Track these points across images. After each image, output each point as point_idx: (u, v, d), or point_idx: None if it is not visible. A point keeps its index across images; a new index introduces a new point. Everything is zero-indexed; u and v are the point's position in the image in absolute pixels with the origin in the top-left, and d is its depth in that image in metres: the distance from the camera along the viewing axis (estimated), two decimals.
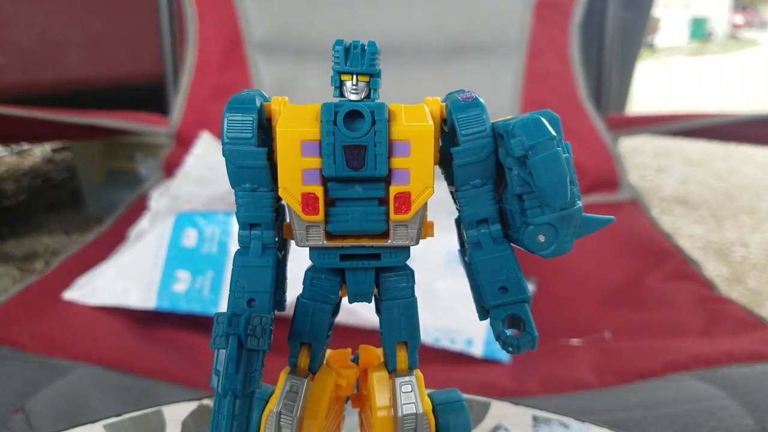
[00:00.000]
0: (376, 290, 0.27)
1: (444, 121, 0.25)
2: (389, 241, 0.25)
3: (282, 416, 0.25)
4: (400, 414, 0.25)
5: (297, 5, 1.08)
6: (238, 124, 0.23)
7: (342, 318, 0.31)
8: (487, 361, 0.61)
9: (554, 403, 0.52)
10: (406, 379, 0.26)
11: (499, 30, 1.08)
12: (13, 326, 0.60)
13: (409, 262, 0.26)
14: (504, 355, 0.61)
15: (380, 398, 0.26)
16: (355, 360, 0.29)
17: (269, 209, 0.25)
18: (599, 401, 0.51)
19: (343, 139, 0.23)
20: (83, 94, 1.23)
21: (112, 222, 0.90)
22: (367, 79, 0.24)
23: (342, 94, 0.24)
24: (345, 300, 0.27)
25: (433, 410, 0.26)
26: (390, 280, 0.26)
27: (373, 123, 0.23)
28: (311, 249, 0.25)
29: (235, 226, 0.67)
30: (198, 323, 0.65)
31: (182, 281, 0.65)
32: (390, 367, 0.27)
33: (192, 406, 0.39)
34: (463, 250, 0.27)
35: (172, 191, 0.84)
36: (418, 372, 0.27)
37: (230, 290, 0.25)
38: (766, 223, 1.54)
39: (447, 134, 0.25)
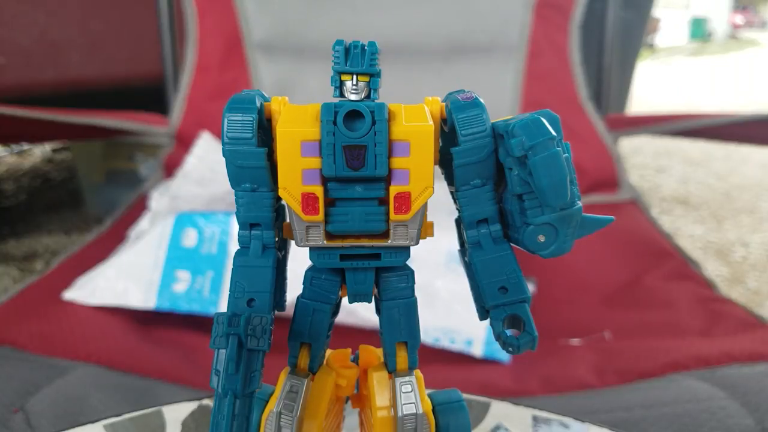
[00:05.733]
0: (376, 290, 0.27)
1: (444, 121, 0.25)
2: (389, 241, 0.25)
3: (282, 416, 0.25)
4: (400, 414, 0.25)
5: (297, 5, 1.08)
6: (238, 124, 0.23)
7: (342, 318, 0.31)
8: (487, 361, 0.61)
9: (554, 403, 0.52)
10: (406, 379, 0.26)
11: (499, 30, 1.08)
12: (13, 326, 0.60)
13: (409, 262, 0.26)
14: (504, 355, 0.61)
15: (380, 398, 0.26)
16: (355, 360, 0.29)
17: (269, 209, 0.25)
18: (599, 401, 0.51)
19: (343, 139, 0.23)
20: (83, 94, 1.23)
21: (112, 222, 0.90)
22: (367, 79, 0.24)
23: (342, 94, 0.24)
24: (345, 300, 0.27)
25: (433, 410, 0.26)
26: (390, 280, 0.26)
27: (373, 123, 0.23)
28: (311, 249, 0.25)
29: (235, 226, 0.67)
30: (198, 323, 0.65)
31: (182, 281, 0.65)
32: (390, 367, 0.27)
33: (192, 406, 0.39)
34: (463, 250, 0.27)
35: (172, 191, 0.84)
36: (418, 372, 0.27)
37: (230, 290, 0.25)
38: (766, 223, 1.54)
39: (447, 134, 0.25)
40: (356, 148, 0.23)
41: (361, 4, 1.07)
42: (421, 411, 0.25)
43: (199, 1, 1.07)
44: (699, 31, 12.25)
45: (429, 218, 0.25)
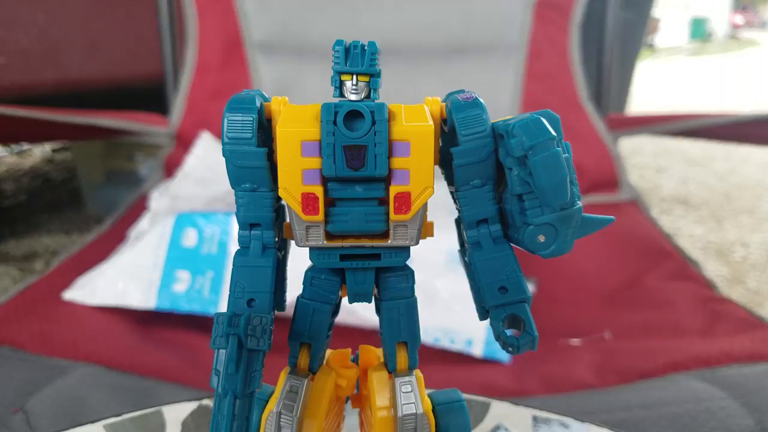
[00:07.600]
0: (376, 290, 0.27)
1: (444, 121, 0.25)
2: (389, 242, 0.25)
3: (282, 416, 0.25)
4: (400, 414, 0.25)
5: (297, 5, 1.08)
6: (238, 124, 0.23)
7: (342, 318, 0.31)
8: (487, 361, 0.61)
9: (554, 403, 0.52)
10: (406, 379, 0.26)
11: (499, 30, 1.08)
12: (13, 326, 0.60)
13: (409, 262, 0.26)
14: (504, 355, 0.61)
15: (380, 398, 0.26)
16: (355, 360, 0.29)
17: (269, 209, 0.25)
18: (599, 401, 0.51)
19: (343, 139, 0.23)
20: (83, 94, 1.23)
21: (112, 222, 0.90)
22: (367, 79, 0.24)
23: (342, 94, 0.24)
24: (345, 300, 0.27)
25: (433, 410, 0.26)
26: (390, 280, 0.26)
27: (373, 123, 0.23)
28: (311, 249, 0.25)
29: (235, 226, 0.67)
30: (198, 323, 0.65)
31: (182, 281, 0.65)
32: (390, 367, 0.27)
33: (192, 406, 0.39)
34: (463, 250, 0.27)
35: (172, 191, 0.84)
36: (418, 372, 0.27)
37: (230, 290, 0.25)
38: (766, 223, 1.54)
39: (447, 134, 0.25)
40: (356, 148, 0.23)
41: (361, 4, 1.07)
42: (421, 411, 0.25)
43: (199, 1, 1.07)
44: (699, 31, 12.26)
45: (429, 218, 0.25)
